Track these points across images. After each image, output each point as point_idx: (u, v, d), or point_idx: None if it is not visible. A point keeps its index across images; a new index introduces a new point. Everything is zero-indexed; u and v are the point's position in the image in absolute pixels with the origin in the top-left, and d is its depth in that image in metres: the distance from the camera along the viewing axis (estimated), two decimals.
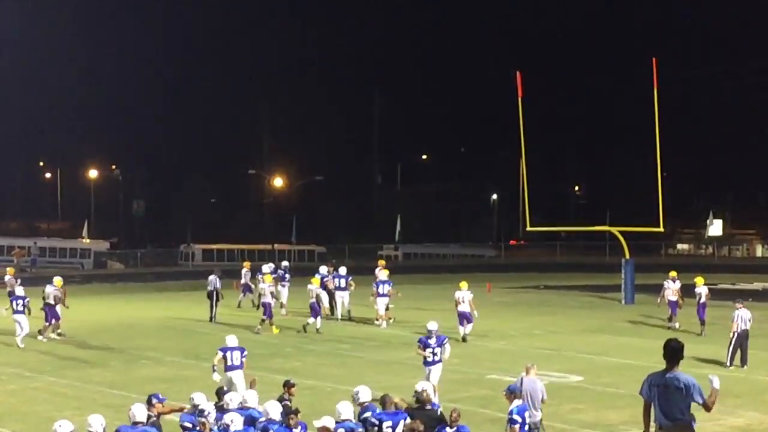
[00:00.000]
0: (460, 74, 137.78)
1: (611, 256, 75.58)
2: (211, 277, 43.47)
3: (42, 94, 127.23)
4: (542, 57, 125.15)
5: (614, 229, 56.41)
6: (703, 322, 37.97)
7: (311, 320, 38.76)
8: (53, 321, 37.50)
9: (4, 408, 23.61)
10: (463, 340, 35.91)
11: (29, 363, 31.48)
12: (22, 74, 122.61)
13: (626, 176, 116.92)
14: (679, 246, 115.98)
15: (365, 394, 17.45)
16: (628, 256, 51.33)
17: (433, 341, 24.60)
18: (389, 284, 41.33)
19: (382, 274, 42.47)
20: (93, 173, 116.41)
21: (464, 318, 36.54)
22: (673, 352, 12.84)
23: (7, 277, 42.60)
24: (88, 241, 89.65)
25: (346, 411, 16.63)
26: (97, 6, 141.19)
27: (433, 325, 24.94)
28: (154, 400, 17.55)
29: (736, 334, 30.65)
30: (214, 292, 42.80)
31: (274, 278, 41.98)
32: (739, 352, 30.65)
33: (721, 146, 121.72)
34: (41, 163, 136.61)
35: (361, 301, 43.00)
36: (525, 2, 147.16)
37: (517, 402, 18.19)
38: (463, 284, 37.12)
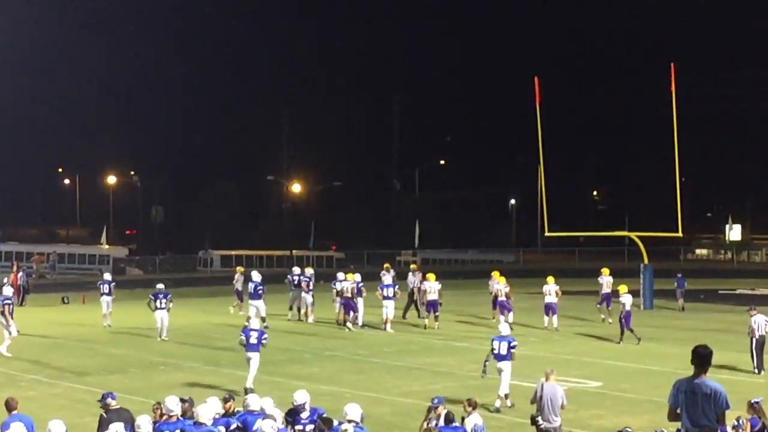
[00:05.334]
0: (478, 79, 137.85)
1: (630, 261, 75.36)
2: (410, 277, 46.07)
3: (60, 101, 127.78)
4: (561, 62, 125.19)
5: (633, 235, 56.30)
6: (628, 330, 37.65)
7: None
8: (351, 313, 41.75)
9: None
10: (546, 328, 40.71)
11: (48, 369, 31.58)
12: (40, 81, 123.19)
13: (645, 181, 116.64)
14: (698, 251, 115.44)
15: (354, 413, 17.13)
16: (646, 262, 51.24)
17: (305, 416, 17.61)
18: (394, 287, 41.59)
19: (387, 277, 42.67)
20: (112, 179, 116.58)
21: (550, 309, 41.42)
22: (701, 358, 12.80)
23: (236, 275, 47.53)
24: (106, 247, 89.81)
25: (354, 412, 16.91)
26: (116, 12, 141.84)
27: (301, 396, 17.78)
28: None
29: (754, 341, 30.63)
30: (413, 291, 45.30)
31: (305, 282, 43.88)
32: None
33: (740, 151, 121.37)
34: (60, 170, 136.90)
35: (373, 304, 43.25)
36: (543, 8, 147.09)
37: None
38: (551, 279, 41.97)
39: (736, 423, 17.42)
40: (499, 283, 42.77)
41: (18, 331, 35.81)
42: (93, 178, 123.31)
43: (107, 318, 42.80)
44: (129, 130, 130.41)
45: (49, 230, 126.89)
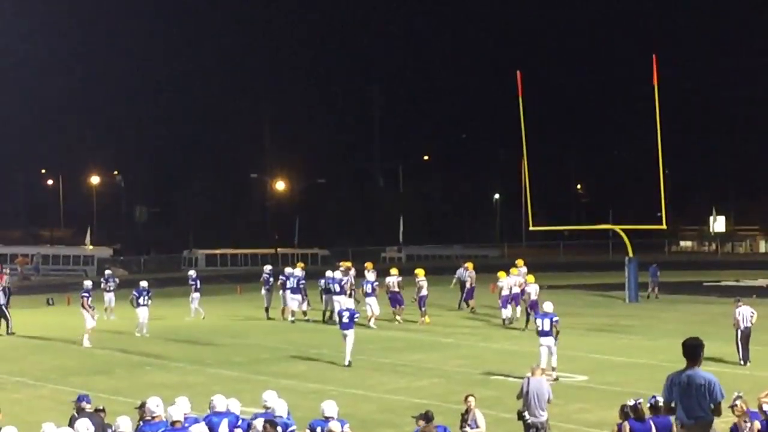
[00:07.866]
0: (460, 73, 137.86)
1: (614, 254, 75.51)
2: (460, 270, 47.88)
3: (43, 101, 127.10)
4: (543, 56, 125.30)
5: (617, 228, 56.44)
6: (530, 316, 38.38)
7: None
8: (398, 306, 42.97)
9: (9, 418, 23.34)
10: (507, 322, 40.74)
11: (33, 371, 31.45)
12: (22, 81, 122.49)
13: (629, 174, 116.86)
14: (682, 243, 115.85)
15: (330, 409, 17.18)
16: (631, 255, 51.28)
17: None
18: (376, 283, 41.76)
19: (370, 274, 42.80)
20: (95, 179, 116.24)
21: (514, 300, 41.39)
22: (692, 349, 12.80)
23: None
24: (91, 247, 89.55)
25: (331, 410, 16.94)
26: (97, 11, 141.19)
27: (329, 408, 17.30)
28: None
29: (739, 332, 30.69)
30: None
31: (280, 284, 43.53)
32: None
33: (723, 143, 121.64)
34: (43, 171, 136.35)
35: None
36: (525, 1, 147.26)
37: None
38: (514, 270, 42.92)
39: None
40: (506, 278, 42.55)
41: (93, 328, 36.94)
42: (76, 179, 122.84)
43: (110, 312, 45.36)
44: (111, 130, 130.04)
45: (32, 232, 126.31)
